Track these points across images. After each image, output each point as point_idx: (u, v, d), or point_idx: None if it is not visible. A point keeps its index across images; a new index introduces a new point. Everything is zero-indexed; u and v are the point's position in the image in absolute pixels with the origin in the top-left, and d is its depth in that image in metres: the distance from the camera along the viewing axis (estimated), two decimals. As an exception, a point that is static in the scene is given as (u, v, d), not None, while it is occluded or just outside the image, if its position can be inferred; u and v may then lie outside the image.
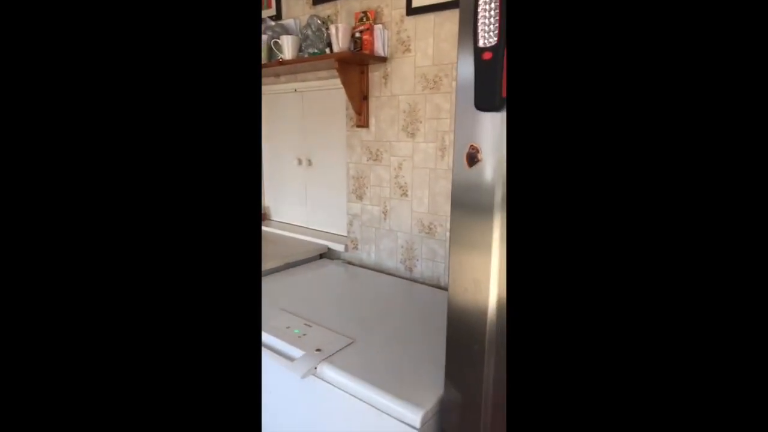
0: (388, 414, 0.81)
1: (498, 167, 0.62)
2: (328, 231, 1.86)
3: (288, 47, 1.51)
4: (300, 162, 1.93)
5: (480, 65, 0.60)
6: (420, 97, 1.40)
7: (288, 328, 1.08)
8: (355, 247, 1.69)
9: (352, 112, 1.57)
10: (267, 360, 1.00)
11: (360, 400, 0.85)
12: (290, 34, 1.53)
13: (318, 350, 0.97)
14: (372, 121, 1.55)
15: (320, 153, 1.84)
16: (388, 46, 1.44)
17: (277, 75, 1.83)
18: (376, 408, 0.83)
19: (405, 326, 1.12)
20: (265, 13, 1.80)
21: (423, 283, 1.47)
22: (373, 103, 1.53)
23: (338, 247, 1.72)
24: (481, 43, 0.59)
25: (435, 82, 1.35)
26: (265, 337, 1.06)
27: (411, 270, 1.52)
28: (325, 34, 1.47)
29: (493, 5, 0.57)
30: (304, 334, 1.05)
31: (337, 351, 0.97)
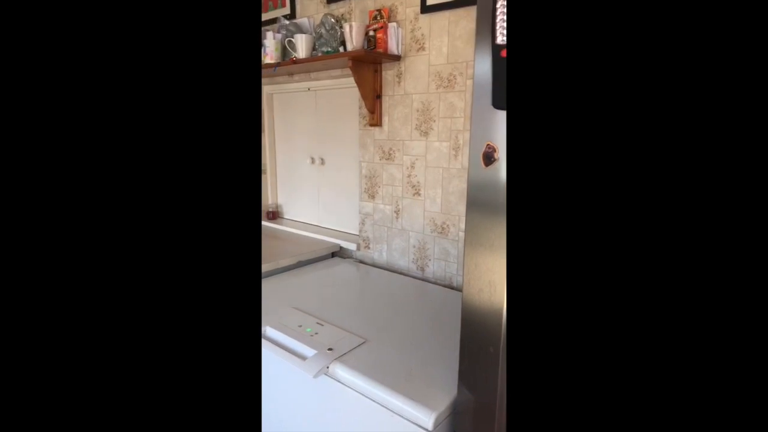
0: (400, 415, 0.80)
1: (515, 167, 0.60)
2: (341, 230, 1.86)
3: (302, 46, 1.51)
4: (313, 161, 1.93)
5: (498, 63, 0.58)
6: (434, 95, 1.39)
7: (300, 326, 1.08)
8: (367, 246, 1.68)
9: (365, 110, 1.57)
10: (279, 358, 1.00)
11: (372, 400, 0.85)
12: (304, 33, 1.53)
13: (330, 349, 0.97)
14: (385, 119, 1.54)
15: (333, 152, 1.84)
16: (402, 44, 1.43)
17: (291, 74, 1.84)
18: (388, 409, 0.82)
19: (417, 327, 1.11)
20: (279, 12, 1.80)
21: (435, 283, 1.46)
22: (386, 101, 1.52)
23: (350, 246, 1.72)
24: (499, 41, 0.57)
25: (449, 80, 1.34)
26: (277, 335, 1.06)
27: (423, 270, 1.51)
28: (339, 33, 1.47)
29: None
30: (316, 333, 1.05)
31: (349, 350, 0.97)
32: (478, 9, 0.61)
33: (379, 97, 1.53)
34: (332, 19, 1.49)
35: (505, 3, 0.56)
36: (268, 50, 1.62)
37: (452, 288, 1.41)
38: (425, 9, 1.35)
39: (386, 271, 1.57)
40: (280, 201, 2.18)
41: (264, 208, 2.14)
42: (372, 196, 1.64)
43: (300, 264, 1.60)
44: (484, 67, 0.61)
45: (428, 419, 0.77)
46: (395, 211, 1.57)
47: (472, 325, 0.70)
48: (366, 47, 1.41)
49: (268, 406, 1.14)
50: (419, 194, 1.48)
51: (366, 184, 1.65)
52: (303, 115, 1.94)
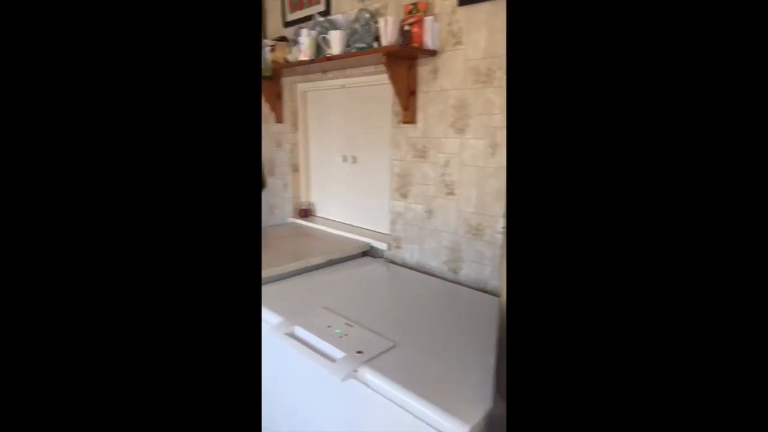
0: (431, 425, 0.76)
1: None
2: (371, 229, 1.84)
3: (335, 42, 1.49)
4: (345, 159, 1.92)
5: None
6: (470, 91, 1.33)
7: (329, 327, 1.06)
8: (398, 246, 1.65)
9: (398, 107, 1.53)
10: (307, 359, 0.98)
11: (401, 407, 0.82)
12: (339, 29, 1.51)
13: (359, 352, 0.94)
14: (419, 116, 1.50)
15: (365, 150, 1.81)
16: (438, 38, 1.38)
17: (325, 71, 1.83)
18: (418, 418, 0.79)
19: (450, 331, 1.07)
20: (314, 9, 1.79)
21: (468, 286, 1.41)
22: (420, 98, 1.48)
23: (381, 246, 1.69)
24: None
25: (487, 75, 1.28)
26: (307, 336, 1.04)
27: (456, 272, 1.46)
28: (374, 28, 1.44)
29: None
30: (346, 335, 1.02)
31: (379, 354, 0.94)
32: None
33: (413, 93, 1.49)
34: (367, 15, 1.47)
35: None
36: (302, 47, 1.61)
37: (486, 292, 1.35)
38: (463, 1, 1.30)
39: (417, 273, 1.53)
40: (312, 199, 2.18)
41: (297, 206, 2.15)
42: (404, 195, 1.60)
43: (331, 263, 1.59)
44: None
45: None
46: (427, 211, 1.53)
47: (511, 335, 0.65)
48: (401, 42, 1.38)
49: (293, 405, 1.13)
50: (453, 193, 1.44)
51: (398, 182, 1.62)
52: (336, 113, 1.93)
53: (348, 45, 1.51)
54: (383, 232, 1.77)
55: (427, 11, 1.39)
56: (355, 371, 0.90)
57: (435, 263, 1.53)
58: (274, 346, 1.16)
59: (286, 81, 2.07)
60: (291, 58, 1.73)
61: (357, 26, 1.47)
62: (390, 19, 1.34)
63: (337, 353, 0.95)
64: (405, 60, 1.44)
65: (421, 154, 1.51)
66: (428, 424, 0.77)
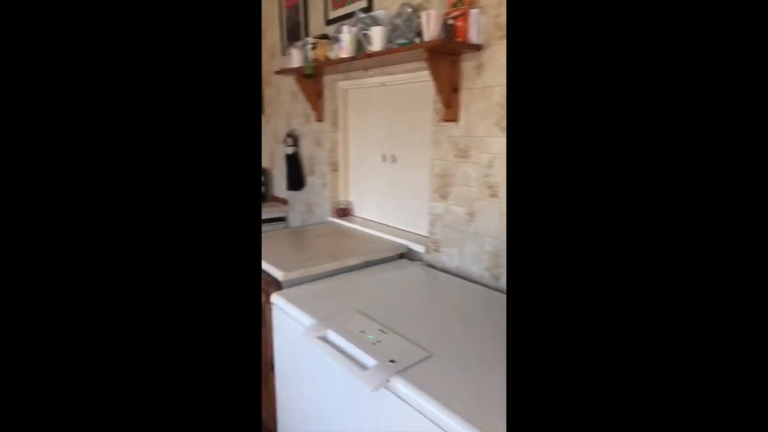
0: (466, 447, 0.71)
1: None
2: (410, 230, 1.79)
3: (376, 38, 1.45)
4: (384, 158, 1.88)
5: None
6: (517, 87, 1.25)
7: (362, 332, 1.03)
8: (437, 249, 1.59)
9: (440, 105, 1.47)
10: (337, 365, 0.95)
11: (435, 423, 0.77)
12: (380, 26, 1.47)
13: (392, 361, 0.90)
14: (462, 114, 1.43)
15: (405, 149, 1.77)
16: (483, 32, 1.31)
17: (366, 69, 1.80)
18: (452, 437, 0.73)
19: (490, 344, 1.00)
20: (356, 6, 1.77)
21: (511, 294, 1.33)
22: (464, 95, 1.42)
23: (419, 248, 1.64)
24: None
25: (536, 70, 1.20)
26: (338, 340, 1.01)
27: (498, 279, 1.38)
28: (415, 23, 1.39)
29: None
30: (379, 341, 0.98)
31: (413, 365, 0.89)
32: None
33: (456, 90, 1.43)
34: (409, 9, 1.42)
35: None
36: (343, 45, 1.59)
37: (530, 301, 1.27)
38: (511, -8, 1.22)
39: (457, 278, 1.46)
40: (351, 198, 2.16)
41: (335, 205, 2.14)
42: (444, 197, 1.54)
43: (367, 264, 1.56)
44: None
45: (499, 457, 0.66)
46: (469, 213, 1.46)
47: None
48: (444, 37, 1.32)
49: (319, 409, 1.10)
50: (497, 196, 1.36)
51: (438, 183, 1.56)
52: (376, 111, 1.89)
53: (389, 41, 1.47)
54: (421, 234, 1.71)
55: (473, 4, 1.32)
56: (387, 381, 0.85)
57: (476, 269, 1.45)
58: (306, 349, 1.14)
59: (327, 79, 2.06)
60: (332, 55, 1.71)
61: (398, 21, 1.42)
62: (432, 13, 1.28)
63: (370, 361, 0.92)
64: (448, 55, 1.38)
65: (463, 153, 1.45)
66: (463, 445, 0.71)
